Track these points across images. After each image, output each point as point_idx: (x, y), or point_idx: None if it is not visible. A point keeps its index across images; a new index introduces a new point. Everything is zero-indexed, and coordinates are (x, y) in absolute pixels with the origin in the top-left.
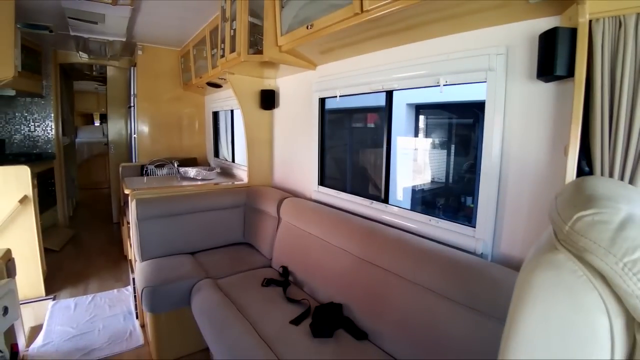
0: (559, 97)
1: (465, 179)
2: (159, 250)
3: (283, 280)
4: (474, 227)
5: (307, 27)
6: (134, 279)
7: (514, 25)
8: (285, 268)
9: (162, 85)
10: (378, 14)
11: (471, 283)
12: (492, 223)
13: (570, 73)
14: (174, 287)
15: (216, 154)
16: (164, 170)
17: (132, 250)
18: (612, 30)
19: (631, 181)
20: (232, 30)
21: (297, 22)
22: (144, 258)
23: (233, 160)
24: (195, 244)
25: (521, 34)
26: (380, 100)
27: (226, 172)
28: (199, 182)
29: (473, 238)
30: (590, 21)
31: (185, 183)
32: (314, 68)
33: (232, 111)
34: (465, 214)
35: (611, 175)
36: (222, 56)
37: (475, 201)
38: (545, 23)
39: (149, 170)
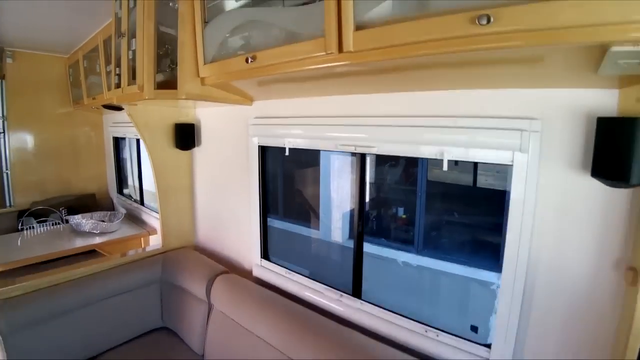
0: (613, 201)
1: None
2: None
3: None
4: (489, 346)
5: (247, 61)
6: None
7: (553, 93)
8: None
9: (45, 100)
10: (368, 61)
11: None
12: (512, 344)
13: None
14: None
15: (120, 189)
16: (48, 224)
17: None
18: None
19: None
20: (130, 52)
21: (231, 47)
22: None
23: (142, 202)
24: (96, 344)
25: (561, 105)
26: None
27: (134, 216)
28: (98, 240)
29: None
30: None
31: (79, 242)
32: (250, 103)
33: (138, 140)
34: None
35: None
36: (118, 86)
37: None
38: (597, 95)
39: (25, 226)
